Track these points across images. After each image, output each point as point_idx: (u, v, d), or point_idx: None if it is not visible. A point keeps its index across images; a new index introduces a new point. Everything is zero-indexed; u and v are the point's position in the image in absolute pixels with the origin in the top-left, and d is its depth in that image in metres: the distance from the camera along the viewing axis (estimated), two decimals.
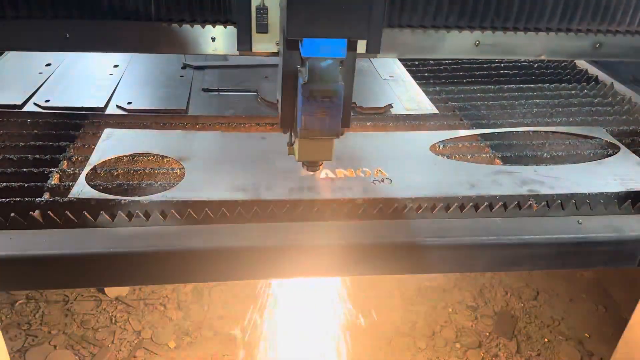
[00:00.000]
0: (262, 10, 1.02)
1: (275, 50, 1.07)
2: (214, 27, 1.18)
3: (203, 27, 1.17)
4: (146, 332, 2.14)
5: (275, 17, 1.04)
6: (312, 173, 1.13)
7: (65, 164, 1.25)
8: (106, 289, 2.29)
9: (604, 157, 1.37)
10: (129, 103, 1.53)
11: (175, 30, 1.18)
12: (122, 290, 2.30)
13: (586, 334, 2.24)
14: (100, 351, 2.06)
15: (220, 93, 1.66)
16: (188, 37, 1.20)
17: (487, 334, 2.23)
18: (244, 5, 1.00)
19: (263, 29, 1.03)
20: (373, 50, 1.01)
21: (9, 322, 2.13)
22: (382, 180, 1.21)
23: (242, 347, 2.08)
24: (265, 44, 1.05)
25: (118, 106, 1.52)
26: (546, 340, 2.21)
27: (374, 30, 0.97)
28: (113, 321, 2.19)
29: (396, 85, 1.76)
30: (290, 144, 1.06)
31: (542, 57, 1.28)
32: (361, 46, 1.00)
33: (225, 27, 1.15)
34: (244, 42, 1.04)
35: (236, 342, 2.10)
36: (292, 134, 1.06)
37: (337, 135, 0.98)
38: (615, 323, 2.23)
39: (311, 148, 1.01)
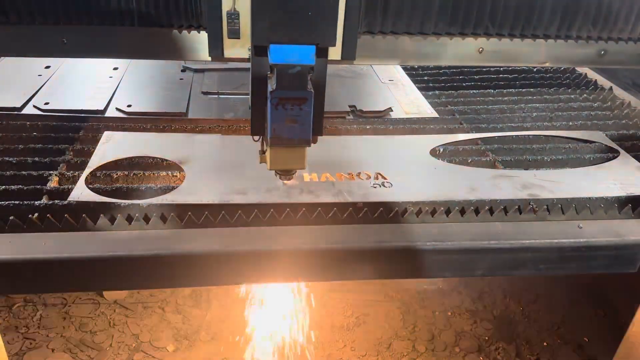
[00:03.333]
0: (233, 16, 1.00)
1: (247, 56, 1.05)
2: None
3: (199, 32, 1.16)
4: (144, 335, 2.13)
5: (247, 23, 1.02)
6: (286, 182, 1.11)
7: (65, 167, 1.24)
8: (104, 292, 2.27)
9: (604, 162, 1.37)
10: (129, 106, 1.53)
11: (173, 36, 1.18)
12: (120, 294, 2.29)
13: (585, 338, 2.23)
14: (98, 354, 2.05)
15: (220, 96, 1.66)
16: (186, 43, 1.19)
17: (487, 338, 2.23)
18: (214, 10, 0.99)
19: (234, 34, 1.01)
20: (348, 57, 0.99)
21: (7, 326, 2.12)
22: (383, 184, 1.21)
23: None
24: (237, 50, 1.03)
25: (118, 109, 1.52)
26: (545, 344, 2.21)
27: (349, 36, 0.95)
28: (111, 324, 2.18)
29: (396, 89, 1.76)
30: (262, 152, 1.05)
31: (547, 65, 1.28)
32: (337, 53, 0.98)
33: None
34: (215, 48, 1.02)
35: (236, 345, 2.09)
36: (263, 141, 1.04)
37: (308, 144, 0.96)
38: (615, 327, 2.23)
39: (283, 156, 0.98)
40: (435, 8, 1.19)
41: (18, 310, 2.20)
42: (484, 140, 1.46)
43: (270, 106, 0.89)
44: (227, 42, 1.02)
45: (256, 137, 1.03)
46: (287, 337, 2.01)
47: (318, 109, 0.95)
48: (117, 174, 1.20)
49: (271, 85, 0.89)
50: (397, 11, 1.18)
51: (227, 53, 1.02)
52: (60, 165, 1.24)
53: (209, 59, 1.21)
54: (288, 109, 0.90)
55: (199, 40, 1.18)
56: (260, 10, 0.83)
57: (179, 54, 1.21)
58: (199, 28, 1.17)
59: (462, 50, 1.25)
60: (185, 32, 1.17)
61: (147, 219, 1.07)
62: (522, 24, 1.22)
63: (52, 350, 2.05)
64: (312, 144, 0.98)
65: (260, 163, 1.05)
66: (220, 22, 0.99)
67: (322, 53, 0.91)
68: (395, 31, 1.21)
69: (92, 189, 1.13)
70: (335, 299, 2.29)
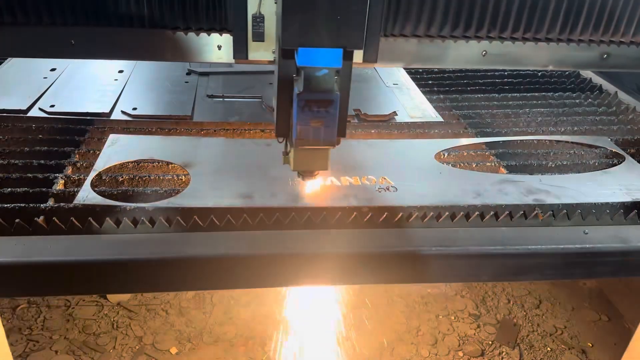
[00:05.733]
0: (259, 19, 1.01)
1: (271, 58, 1.06)
2: (220, 35, 1.18)
3: (208, 34, 1.17)
4: (148, 337, 2.13)
5: (271, 26, 1.03)
6: (308, 181, 1.13)
7: (70, 169, 1.25)
8: (108, 294, 2.28)
9: (609, 167, 1.37)
10: (134, 109, 1.53)
11: (180, 38, 1.18)
12: (124, 296, 2.29)
13: (589, 343, 2.22)
14: (101, 357, 2.05)
15: (225, 99, 1.66)
16: (193, 45, 1.20)
17: (490, 342, 2.22)
18: (240, 13, 0.99)
19: (259, 37, 1.02)
20: (370, 59, 1.00)
21: (11, 327, 2.12)
22: (388, 189, 1.21)
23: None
24: (262, 52, 1.04)
25: (123, 112, 1.52)
26: (549, 349, 2.20)
27: (371, 39, 0.96)
28: (115, 327, 2.18)
29: (400, 93, 1.76)
30: (286, 153, 1.06)
31: (549, 68, 1.28)
32: (358, 55, 0.98)
33: (231, 35, 1.15)
34: (240, 51, 1.03)
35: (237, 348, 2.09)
36: (288, 142, 1.05)
37: (332, 145, 0.97)
38: (618, 332, 2.22)
39: (306, 157, 1.00)
40: (439, 11, 1.19)
41: (22, 312, 2.20)
42: (489, 144, 1.46)
43: (297, 108, 0.91)
44: (252, 45, 1.02)
45: (280, 138, 1.04)
46: (287, 341, 2.01)
47: (342, 110, 0.96)
48: (122, 177, 1.21)
49: (298, 87, 0.90)
50: (401, 14, 1.18)
51: (252, 56, 1.03)
52: (66, 168, 1.24)
53: (215, 60, 1.21)
54: (314, 111, 0.91)
55: (207, 42, 1.19)
56: (290, 14, 0.84)
57: (187, 56, 1.21)
58: (210, 30, 1.17)
59: (466, 53, 1.25)
60: (193, 34, 1.17)
61: (152, 222, 1.07)
62: (524, 27, 1.23)
63: (56, 352, 2.05)
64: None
65: (284, 164, 1.06)
66: (246, 25, 1.00)
67: (348, 56, 0.92)
68: (399, 34, 1.21)
69: (98, 192, 1.13)
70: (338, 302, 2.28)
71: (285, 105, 0.96)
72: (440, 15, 1.20)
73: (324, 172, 1.24)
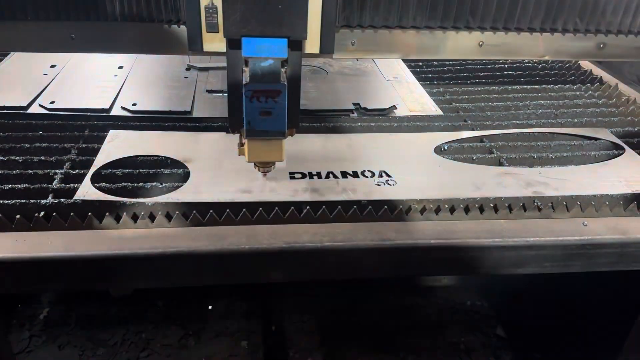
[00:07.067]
0: (212, 10, 1.00)
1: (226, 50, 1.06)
2: None
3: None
4: (150, 332, 2.15)
5: None
6: (264, 175, 1.13)
7: (70, 165, 1.25)
8: (110, 290, 2.29)
9: (609, 159, 1.37)
10: (134, 104, 1.53)
11: (179, 31, 1.18)
12: (126, 291, 2.31)
13: (590, 336, 2.22)
14: (105, 352, 2.06)
15: (225, 94, 1.66)
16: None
17: (491, 335, 2.23)
18: (193, 4, 0.99)
19: (213, 28, 1.01)
20: (327, 50, 0.98)
21: (14, 324, 2.14)
22: (387, 182, 1.21)
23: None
24: (217, 44, 1.02)
25: (123, 107, 1.53)
26: (551, 342, 2.20)
27: (327, 30, 0.96)
28: (117, 321, 2.19)
29: (400, 86, 1.76)
30: (241, 145, 1.06)
31: (546, 58, 1.28)
32: (316, 47, 0.98)
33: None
34: (194, 42, 1.02)
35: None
36: (242, 135, 1.06)
37: (283, 136, 0.98)
38: (620, 327, 2.22)
39: (260, 149, 1.01)
40: (435, 1, 1.18)
41: (24, 308, 2.22)
42: (489, 137, 1.46)
43: (245, 99, 0.91)
44: (207, 37, 1.02)
45: (235, 131, 1.05)
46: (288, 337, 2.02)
47: (294, 102, 0.97)
48: (122, 173, 1.21)
49: (244, 78, 0.91)
50: (395, 4, 1.17)
51: (207, 47, 1.02)
52: (66, 163, 1.25)
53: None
54: (262, 102, 0.92)
55: None
56: (231, 2, 0.85)
57: (186, 49, 1.21)
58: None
59: (462, 44, 1.25)
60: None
61: (152, 218, 1.08)
62: (517, 17, 1.22)
63: (59, 347, 2.06)
64: (291, 137, 1.00)
65: (239, 156, 1.07)
66: (199, 16, 0.99)
67: (295, 46, 0.92)
68: (394, 25, 1.20)
69: (98, 188, 1.14)
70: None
71: (235, 96, 0.97)
72: (433, 5, 1.19)
73: (324, 166, 1.25)
